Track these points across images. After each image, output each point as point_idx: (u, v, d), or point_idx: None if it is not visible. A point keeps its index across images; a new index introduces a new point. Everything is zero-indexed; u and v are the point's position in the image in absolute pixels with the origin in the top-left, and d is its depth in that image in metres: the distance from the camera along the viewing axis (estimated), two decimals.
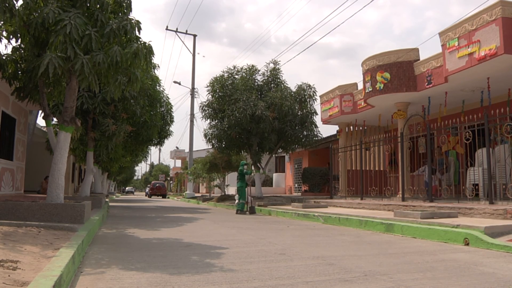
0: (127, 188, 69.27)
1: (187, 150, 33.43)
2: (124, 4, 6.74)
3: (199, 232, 6.77)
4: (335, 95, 14.24)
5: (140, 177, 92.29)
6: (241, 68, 17.04)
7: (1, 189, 9.59)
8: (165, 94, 16.33)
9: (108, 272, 3.41)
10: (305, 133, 16.13)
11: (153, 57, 6.30)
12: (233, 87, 16.13)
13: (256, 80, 16.86)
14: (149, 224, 8.16)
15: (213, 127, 16.58)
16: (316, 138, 16.59)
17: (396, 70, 10.62)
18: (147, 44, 6.12)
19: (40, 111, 8.15)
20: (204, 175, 24.49)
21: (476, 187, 9.13)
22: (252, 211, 12.32)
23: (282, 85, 16.60)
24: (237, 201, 12.80)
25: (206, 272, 3.46)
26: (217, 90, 16.44)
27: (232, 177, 27.25)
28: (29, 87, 6.72)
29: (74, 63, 5.57)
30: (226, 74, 16.78)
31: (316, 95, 16.35)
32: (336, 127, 15.99)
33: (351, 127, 15.19)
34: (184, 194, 32.96)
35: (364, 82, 11.74)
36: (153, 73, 14.30)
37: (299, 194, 20.63)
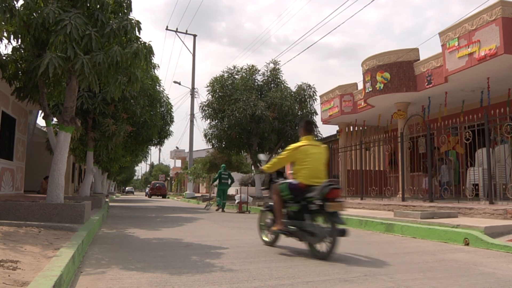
0: (127, 188, 69.17)
1: (187, 150, 33.43)
2: (124, 4, 6.73)
3: (199, 232, 6.77)
4: (335, 95, 14.24)
5: (140, 177, 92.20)
6: (241, 68, 17.06)
7: (1, 189, 9.59)
8: (165, 94, 16.33)
9: (108, 272, 3.41)
10: None
11: (153, 57, 6.29)
12: (233, 87, 16.13)
13: (256, 80, 16.87)
14: (149, 224, 8.16)
15: (213, 127, 16.59)
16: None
17: (396, 70, 10.62)
18: (147, 44, 6.12)
19: (40, 111, 8.14)
20: (204, 175, 24.48)
21: (476, 187, 9.13)
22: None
23: (282, 85, 16.61)
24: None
25: (206, 272, 3.46)
26: (217, 90, 16.45)
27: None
28: (29, 87, 6.70)
29: (74, 63, 5.56)
30: (226, 74, 16.79)
31: (316, 95, 16.36)
32: (336, 127, 15.99)
33: (351, 127, 15.18)
34: (184, 194, 32.95)
35: (364, 82, 11.74)
36: (153, 73, 14.29)
37: None
